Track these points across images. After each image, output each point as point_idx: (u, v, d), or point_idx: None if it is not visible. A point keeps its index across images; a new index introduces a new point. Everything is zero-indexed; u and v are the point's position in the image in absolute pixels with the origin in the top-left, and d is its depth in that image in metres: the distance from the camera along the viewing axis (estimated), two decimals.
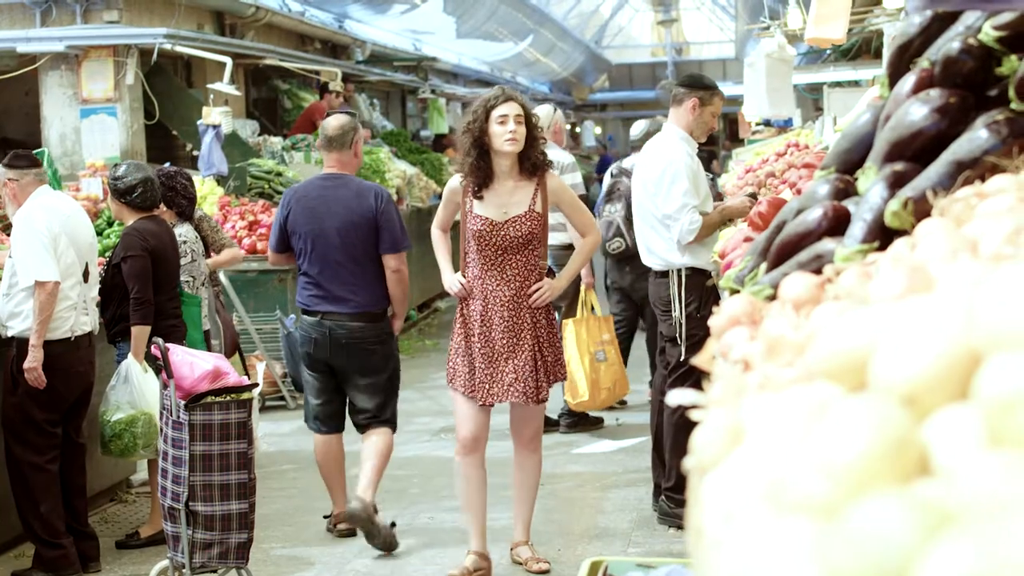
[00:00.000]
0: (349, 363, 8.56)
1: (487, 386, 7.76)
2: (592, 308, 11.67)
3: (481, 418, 7.89)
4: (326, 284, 8.45)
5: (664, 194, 8.36)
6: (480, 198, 7.76)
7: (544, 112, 11.47)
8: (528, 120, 7.71)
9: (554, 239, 10.80)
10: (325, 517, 8.98)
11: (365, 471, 8.46)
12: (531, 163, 7.75)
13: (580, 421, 11.79)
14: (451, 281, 7.91)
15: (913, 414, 1.62)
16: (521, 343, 7.72)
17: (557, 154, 11.28)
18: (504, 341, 7.71)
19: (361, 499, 8.27)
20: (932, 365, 1.65)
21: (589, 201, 11.67)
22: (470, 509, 8.00)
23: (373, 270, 8.50)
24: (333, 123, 8.72)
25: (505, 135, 7.60)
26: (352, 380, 8.62)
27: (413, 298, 17.85)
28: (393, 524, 8.54)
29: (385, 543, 8.35)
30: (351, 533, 8.64)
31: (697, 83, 8.71)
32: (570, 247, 11.47)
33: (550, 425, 11.15)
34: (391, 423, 8.72)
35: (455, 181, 7.91)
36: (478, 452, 8.00)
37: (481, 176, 7.72)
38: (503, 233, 7.68)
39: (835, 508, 1.52)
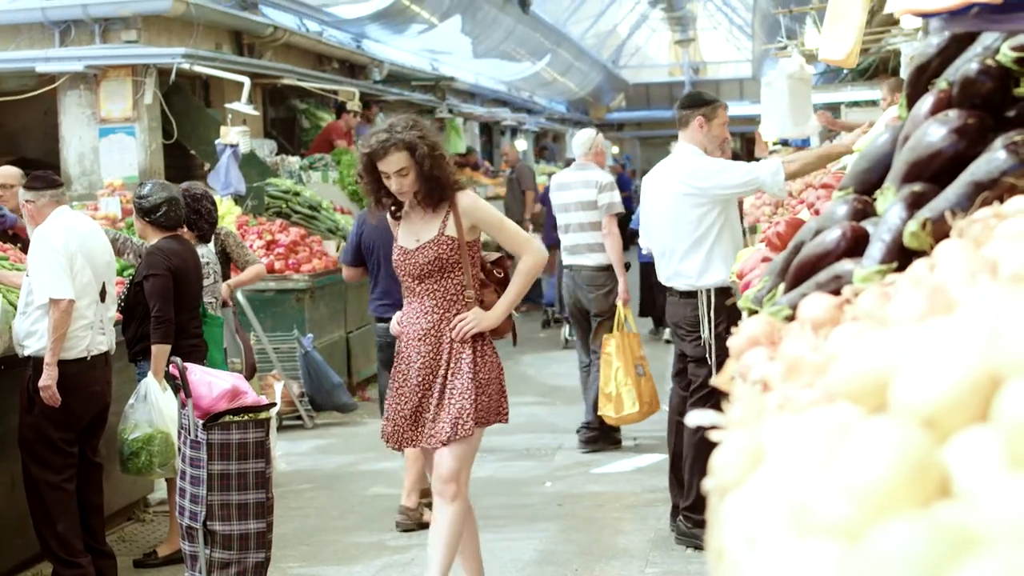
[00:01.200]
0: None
1: (401, 430, 7.08)
2: (629, 324, 11.63)
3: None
4: (395, 294, 8.92)
5: (724, 172, 8.39)
6: (402, 225, 7.17)
7: (586, 135, 12.14)
8: (421, 159, 6.85)
9: (591, 260, 10.68)
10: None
11: (410, 477, 9.52)
12: (434, 196, 6.97)
13: (599, 437, 11.80)
14: (393, 321, 7.33)
15: (934, 437, 1.62)
16: (435, 379, 6.96)
17: (596, 174, 11.83)
18: (419, 378, 6.98)
19: (405, 509, 9.45)
20: (953, 387, 1.65)
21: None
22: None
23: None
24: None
25: (392, 187, 6.96)
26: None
27: None
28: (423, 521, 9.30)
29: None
30: (413, 528, 9.40)
31: (697, 101, 8.79)
32: (608, 268, 11.52)
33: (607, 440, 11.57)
34: None
35: (388, 215, 7.32)
36: (460, 498, 7.06)
37: (388, 207, 7.17)
38: (413, 261, 7.00)
39: (857, 531, 1.52)
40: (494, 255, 7.43)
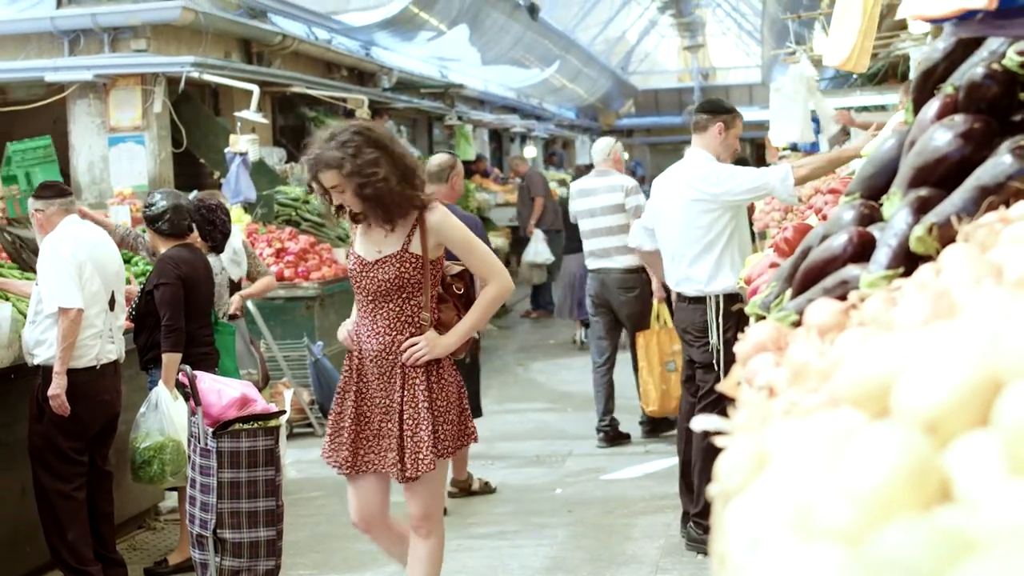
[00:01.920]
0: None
1: (352, 451, 6.52)
2: (664, 322, 12.10)
3: (366, 491, 6.63)
4: None
5: (734, 178, 8.42)
6: (361, 232, 6.58)
7: (606, 142, 12.47)
8: (350, 177, 6.28)
9: (619, 262, 10.73)
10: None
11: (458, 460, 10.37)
12: (380, 215, 6.38)
13: (616, 435, 12.22)
14: (342, 328, 6.73)
15: (935, 441, 1.62)
16: (392, 405, 6.44)
17: (620, 179, 12.26)
18: (378, 400, 6.48)
19: (456, 481, 10.40)
20: (954, 392, 1.65)
21: None
22: None
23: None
24: (433, 161, 10.44)
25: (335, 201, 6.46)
26: None
27: None
28: (487, 484, 10.60)
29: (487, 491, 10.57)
30: (471, 493, 10.46)
31: (720, 108, 8.82)
32: (639, 270, 11.68)
33: (621, 438, 12.04)
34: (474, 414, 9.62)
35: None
36: (377, 529, 6.78)
37: (347, 212, 6.56)
38: (371, 275, 6.41)
39: (858, 535, 1.52)
40: (456, 267, 6.76)
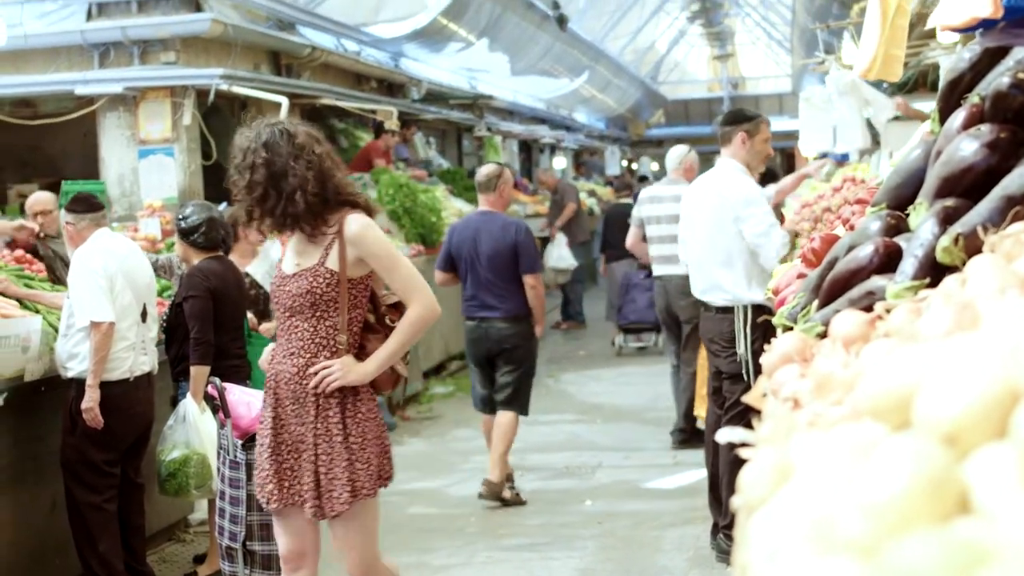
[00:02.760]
0: (500, 355, 10.74)
1: (277, 482, 5.97)
2: None
3: (294, 526, 6.05)
4: (481, 297, 10.68)
5: (751, 218, 8.43)
6: (290, 244, 6.17)
7: (679, 151, 12.68)
8: (269, 168, 5.89)
9: (682, 269, 10.76)
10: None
11: (492, 456, 10.70)
12: (280, 222, 5.96)
13: (690, 438, 12.32)
14: (266, 350, 6.24)
15: (954, 453, 1.61)
16: (306, 438, 5.92)
17: (685, 188, 11.95)
18: (293, 429, 5.95)
19: (488, 483, 10.55)
20: (973, 404, 1.65)
21: None
22: None
23: (515, 285, 10.62)
24: (482, 171, 11.03)
25: None
26: (500, 368, 10.80)
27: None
28: (517, 495, 10.71)
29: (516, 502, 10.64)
30: (501, 500, 10.53)
31: (739, 117, 8.86)
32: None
33: (697, 438, 11.88)
34: (520, 408, 10.85)
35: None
36: (308, 567, 6.19)
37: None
38: (286, 288, 5.94)
39: (875, 547, 1.52)
40: (392, 298, 6.22)
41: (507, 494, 10.60)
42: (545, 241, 22.94)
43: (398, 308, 6.18)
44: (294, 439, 5.94)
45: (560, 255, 22.13)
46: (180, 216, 8.81)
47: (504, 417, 10.72)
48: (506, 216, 10.92)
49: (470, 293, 10.75)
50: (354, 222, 5.91)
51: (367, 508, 5.98)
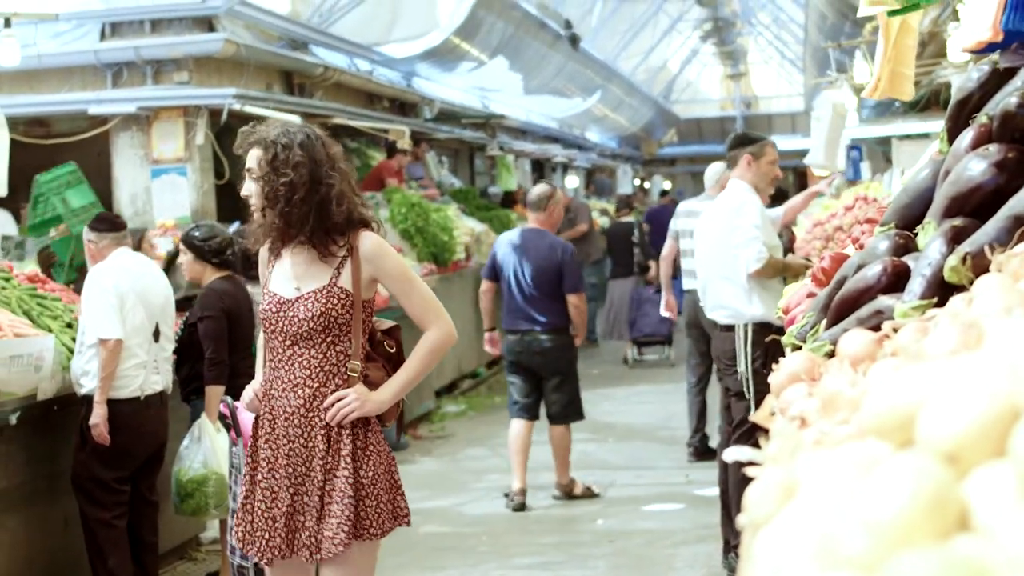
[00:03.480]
0: (542, 366, 11.31)
1: (274, 538, 5.45)
2: None
3: (293, 573, 5.59)
4: (525, 310, 11.25)
5: (735, 227, 8.48)
6: (276, 267, 5.65)
7: (717, 168, 12.68)
8: (280, 169, 5.44)
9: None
10: (505, 495, 11.30)
11: (556, 464, 11.49)
12: (292, 232, 5.50)
13: (705, 451, 12.61)
14: (248, 390, 5.70)
15: (955, 471, 1.62)
16: (309, 474, 5.42)
17: None
18: (289, 469, 5.45)
19: (560, 485, 11.44)
20: (974, 422, 1.66)
21: None
22: None
23: (557, 302, 11.20)
24: (535, 191, 11.65)
25: (240, 189, 5.68)
26: (546, 379, 11.37)
27: (482, 355, 17.90)
28: (589, 488, 11.46)
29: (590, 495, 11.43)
30: (521, 508, 11.05)
31: (743, 140, 8.93)
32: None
33: (709, 454, 12.25)
34: (574, 418, 11.53)
35: (263, 251, 5.78)
36: None
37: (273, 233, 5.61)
38: (291, 315, 5.44)
39: (877, 564, 1.53)
40: (387, 323, 5.85)
41: (579, 490, 11.42)
42: None
43: (392, 334, 5.81)
44: (296, 480, 5.42)
45: None
46: (201, 237, 8.78)
47: (556, 432, 11.44)
48: (554, 236, 11.45)
49: (513, 306, 11.37)
50: (369, 239, 5.53)
51: (365, 552, 5.49)
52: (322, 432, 5.41)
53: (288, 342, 5.46)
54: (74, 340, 8.34)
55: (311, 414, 5.43)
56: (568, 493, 11.35)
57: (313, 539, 5.36)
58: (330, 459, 5.41)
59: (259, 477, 5.52)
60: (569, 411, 11.45)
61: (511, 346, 11.42)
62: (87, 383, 8.05)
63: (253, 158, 5.52)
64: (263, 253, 5.71)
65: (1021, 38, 3.79)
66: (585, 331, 11.58)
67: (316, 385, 5.44)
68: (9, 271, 9.15)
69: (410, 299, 5.66)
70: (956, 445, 1.65)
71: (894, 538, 1.53)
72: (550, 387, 11.38)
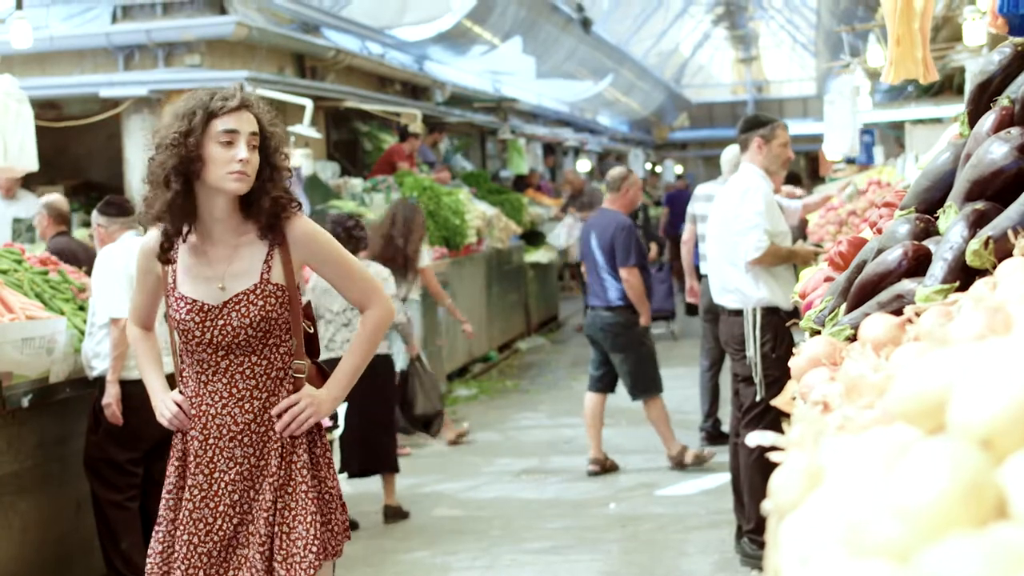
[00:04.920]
0: (604, 342, 11.59)
1: (201, 569, 4.81)
2: None
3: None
4: (592, 287, 11.73)
5: (738, 215, 8.47)
6: (184, 267, 4.89)
7: (733, 151, 11.82)
8: (267, 142, 4.83)
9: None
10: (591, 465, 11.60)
11: (662, 438, 11.65)
12: (262, 210, 4.80)
13: (717, 436, 12.58)
14: (161, 405, 5.00)
15: (990, 457, 1.60)
16: (259, 499, 4.80)
17: None
18: (234, 496, 4.81)
19: (671, 457, 11.61)
20: (1009, 408, 1.63)
21: None
22: None
23: (615, 277, 11.44)
24: (611, 172, 12.20)
25: (230, 164, 4.70)
26: (611, 356, 11.59)
27: (493, 339, 17.89)
28: (698, 455, 11.67)
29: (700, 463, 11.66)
30: (595, 474, 11.48)
31: (754, 123, 8.88)
32: None
33: (722, 438, 12.02)
34: (649, 392, 11.54)
35: (150, 239, 5.03)
36: None
37: (179, 226, 4.84)
38: (222, 323, 4.75)
39: (910, 551, 1.51)
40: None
41: (689, 458, 11.60)
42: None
43: (307, 313, 5.05)
44: (241, 508, 4.81)
45: (557, 234, 22.13)
46: None
47: (647, 409, 11.64)
48: (618, 214, 11.77)
49: (588, 283, 12.00)
50: (299, 222, 4.88)
51: (325, 573, 4.91)
52: (276, 447, 4.80)
53: (222, 353, 4.78)
54: (86, 323, 8.33)
55: (263, 428, 4.80)
56: (678, 463, 11.56)
57: (267, 571, 4.70)
58: (282, 474, 4.79)
59: (190, 507, 4.82)
60: (638, 387, 11.59)
61: (588, 320, 11.94)
62: (98, 365, 8.04)
63: (252, 122, 4.82)
64: (148, 250, 5.02)
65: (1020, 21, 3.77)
66: (645, 306, 11.63)
67: (265, 395, 4.81)
68: (21, 253, 9.12)
69: (351, 282, 5.05)
70: (991, 430, 1.63)
71: (930, 525, 1.51)
72: (616, 364, 11.61)
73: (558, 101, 32.24)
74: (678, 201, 22.59)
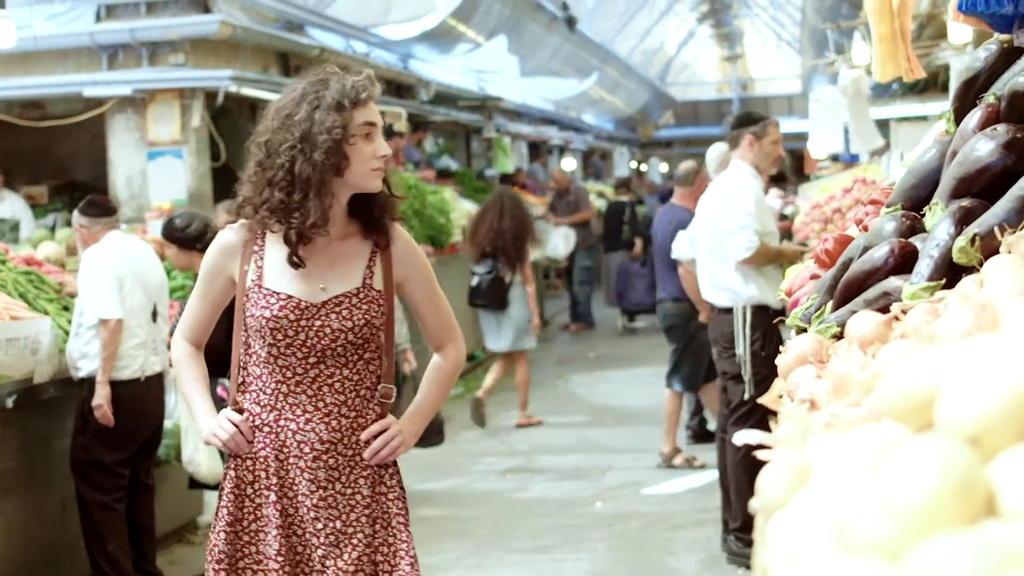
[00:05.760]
0: (666, 334, 11.94)
1: None
2: None
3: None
4: (659, 281, 11.99)
5: (728, 214, 8.47)
6: (275, 261, 4.39)
7: (717, 150, 11.13)
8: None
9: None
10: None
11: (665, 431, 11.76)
12: (374, 205, 4.43)
13: (704, 433, 12.64)
14: (213, 426, 4.44)
15: (979, 454, 1.60)
16: (349, 528, 4.33)
17: None
18: (318, 524, 4.31)
19: (662, 453, 11.65)
20: (997, 405, 1.63)
21: None
22: None
23: (676, 271, 10.98)
24: (682, 166, 12.20)
25: (372, 160, 4.34)
26: (671, 347, 11.81)
27: (478, 339, 17.90)
28: (688, 460, 11.64)
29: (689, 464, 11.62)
30: (668, 465, 11.62)
31: (746, 120, 8.87)
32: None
33: (707, 436, 12.22)
34: (677, 382, 11.69)
35: (230, 236, 4.51)
36: None
37: (316, 230, 4.29)
38: (319, 324, 4.29)
39: (899, 549, 1.50)
40: None
41: (678, 461, 11.65)
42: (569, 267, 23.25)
43: None
44: (324, 539, 4.32)
45: (555, 245, 22.15)
46: (179, 226, 8.50)
47: (665, 396, 11.80)
48: (684, 211, 11.50)
49: (657, 276, 12.22)
50: (403, 236, 4.51)
51: None
52: (366, 474, 4.37)
53: (313, 359, 4.31)
54: (70, 323, 8.30)
55: (350, 451, 4.35)
56: (667, 461, 11.65)
57: None
58: (376, 507, 4.38)
59: (271, 536, 4.32)
60: (672, 375, 11.77)
61: (657, 313, 12.48)
62: (85, 366, 8.03)
63: (373, 113, 4.50)
64: (230, 247, 4.50)
65: (1004, 19, 3.76)
66: (701, 301, 10.62)
67: (354, 414, 4.36)
68: (4, 253, 9.10)
69: (436, 313, 4.61)
70: (979, 428, 1.63)
71: (919, 523, 1.51)
72: (671, 354, 11.83)
73: (543, 99, 32.23)
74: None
